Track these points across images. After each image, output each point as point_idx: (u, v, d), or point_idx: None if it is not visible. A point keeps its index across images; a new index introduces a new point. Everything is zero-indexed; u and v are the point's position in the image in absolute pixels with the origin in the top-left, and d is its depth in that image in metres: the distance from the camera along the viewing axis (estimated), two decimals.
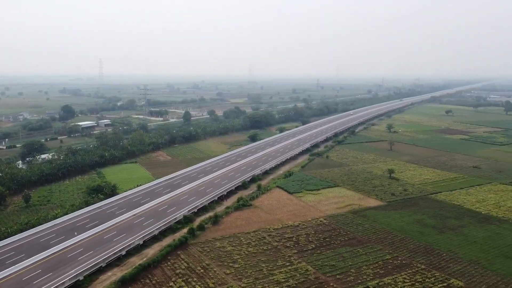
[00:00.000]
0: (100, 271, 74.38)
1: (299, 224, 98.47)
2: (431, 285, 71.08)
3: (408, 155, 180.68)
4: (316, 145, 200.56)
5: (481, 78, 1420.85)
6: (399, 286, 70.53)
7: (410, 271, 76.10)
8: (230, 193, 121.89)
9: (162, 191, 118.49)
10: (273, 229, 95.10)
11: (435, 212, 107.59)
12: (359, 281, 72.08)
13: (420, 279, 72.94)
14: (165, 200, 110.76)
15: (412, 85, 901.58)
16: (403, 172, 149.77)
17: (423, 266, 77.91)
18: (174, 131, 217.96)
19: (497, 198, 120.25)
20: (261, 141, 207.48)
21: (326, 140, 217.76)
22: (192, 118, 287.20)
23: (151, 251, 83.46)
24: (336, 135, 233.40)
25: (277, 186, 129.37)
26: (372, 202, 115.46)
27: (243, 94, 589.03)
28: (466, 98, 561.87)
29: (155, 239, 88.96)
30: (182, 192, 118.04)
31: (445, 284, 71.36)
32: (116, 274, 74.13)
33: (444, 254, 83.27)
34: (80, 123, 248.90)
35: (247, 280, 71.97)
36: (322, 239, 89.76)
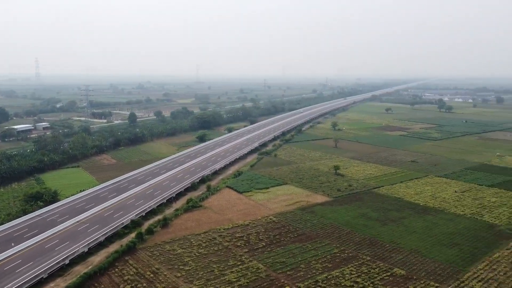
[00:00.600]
0: (41, 282, 70.31)
1: (250, 223, 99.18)
2: (376, 275, 74.53)
3: (352, 152, 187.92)
4: (264, 144, 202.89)
5: (416, 77, 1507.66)
6: (346, 278, 73.26)
7: (356, 263, 79.29)
8: (179, 195, 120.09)
9: (107, 196, 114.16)
10: (224, 229, 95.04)
11: (378, 206, 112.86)
12: (309, 276, 73.98)
13: (366, 270, 76.23)
14: (111, 204, 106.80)
15: (354, 84, 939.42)
16: (348, 168, 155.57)
17: (368, 258, 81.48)
18: (119, 133, 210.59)
19: (433, 190, 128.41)
20: (210, 141, 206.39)
21: (274, 139, 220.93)
22: (138, 120, 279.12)
23: (97, 259, 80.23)
24: (283, 133, 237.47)
25: (227, 186, 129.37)
26: (320, 198, 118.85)
27: (191, 94, 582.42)
28: (404, 97, 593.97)
29: (101, 245, 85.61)
30: (129, 196, 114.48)
31: (388, 274, 75.14)
32: (59, 284, 70.46)
33: (387, 245, 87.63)
34: (15, 127, 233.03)
35: (199, 282, 71.37)
36: (272, 237, 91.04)
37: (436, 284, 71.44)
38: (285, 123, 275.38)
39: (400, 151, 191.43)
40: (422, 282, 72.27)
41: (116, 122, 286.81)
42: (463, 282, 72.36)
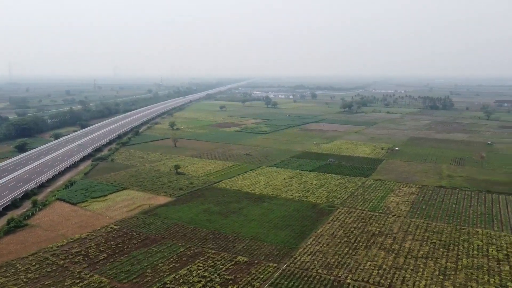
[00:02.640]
0: None
1: (87, 235, 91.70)
2: (221, 266, 77.97)
3: (191, 150, 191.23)
4: (99, 149, 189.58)
5: (245, 77, 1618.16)
6: (194, 274, 74.58)
7: (202, 258, 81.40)
8: None
9: None
10: (57, 247, 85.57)
11: (219, 200, 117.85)
12: (156, 280, 72.73)
13: (212, 263, 78.99)
14: None
15: (189, 84, 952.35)
16: (188, 166, 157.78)
17: (213, 251, 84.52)
18: None
19: (266, 179, 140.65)
20: (33, 150, 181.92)
21: (110, 142, 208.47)
22: None
23: None
24: (119, 136, 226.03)
25: (58, 199, 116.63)
26: (162, 200, 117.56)
27: (4, 98, 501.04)
28: (236, 95, 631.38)
29: None
30: None
31: (232, 263, 79.44)
32: None
33: (230, 236, 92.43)
34: None
35: None
36: (114, 246, 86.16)
37: (274, 264, 78.84)
38: (121, 126, 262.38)
39: (236, 146, 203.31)
40: (262, 265, 78.74)
41: None
42: (296, 258, 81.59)
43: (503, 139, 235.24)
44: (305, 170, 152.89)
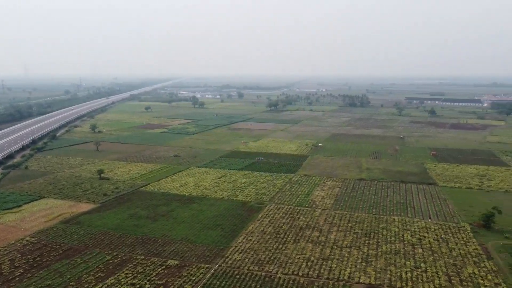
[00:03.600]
0: None
1: None
2: (151, 272, 75.78)
3: (116, 153, 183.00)
4: (10, 156, 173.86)
5: (171, 77, 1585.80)
6: (122, 283, 71.59)
7: (131, 265, 78.41)
8: None
9: None
10: None
11: (147, 203, 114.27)
12: None
13: (141, 270, 76.44)
14: None
15: (111, 84, 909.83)
16: (113, 170, 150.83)
17: (142, 257, 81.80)
18: None
19: (195, 180, 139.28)
20: None
21: (23, 148, 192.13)
22: None
23: None
24: (34, 141, 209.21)
25: None
26: (85, 207, 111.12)
27: None
28: (161, 95, 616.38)
29: None
30: None
31: (163, 267, 77.61)
32: None
33: (159, 240, 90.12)
34: None
35: None
36: (32, 260, 79.73)
37: (206, 265, 78.43)
38: (36, 130, 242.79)
39: (163, 148, 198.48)
40: (194, 267, 77.91)
41: None
42: (227, 257, 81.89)
43: (413, 133, 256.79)
44: (234, 169, 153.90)
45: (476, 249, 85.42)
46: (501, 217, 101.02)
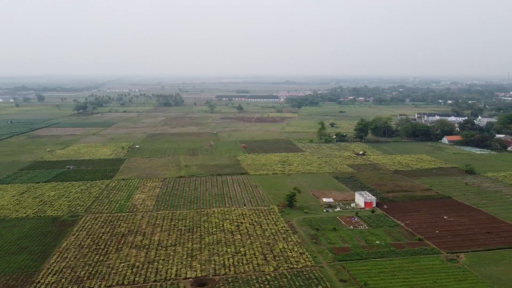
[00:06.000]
0: None
1: None
2: None
3: None
4: None
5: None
6: None
7: None
8: None
9: None
10: None
11: None
12: None
13: None
14: None
15: None
16: None
17: None
18: None
19: None
20: None
21: None
22: None
23: None
24: None
25: None
26: None
27: None
28: None
29: None
30: None
31: None
32: None
33: None
34: None
35: None
36: None
37: None
38: None
39: None
40: None
41: None
42: (38, 282, 72.09)
43: (224, 128, 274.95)
44: (39, 182, 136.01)
45: (284, 226, 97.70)
46: (301, 196, 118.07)
